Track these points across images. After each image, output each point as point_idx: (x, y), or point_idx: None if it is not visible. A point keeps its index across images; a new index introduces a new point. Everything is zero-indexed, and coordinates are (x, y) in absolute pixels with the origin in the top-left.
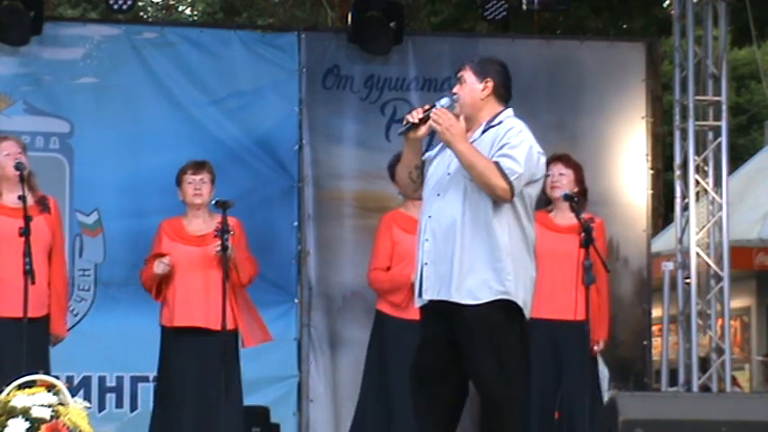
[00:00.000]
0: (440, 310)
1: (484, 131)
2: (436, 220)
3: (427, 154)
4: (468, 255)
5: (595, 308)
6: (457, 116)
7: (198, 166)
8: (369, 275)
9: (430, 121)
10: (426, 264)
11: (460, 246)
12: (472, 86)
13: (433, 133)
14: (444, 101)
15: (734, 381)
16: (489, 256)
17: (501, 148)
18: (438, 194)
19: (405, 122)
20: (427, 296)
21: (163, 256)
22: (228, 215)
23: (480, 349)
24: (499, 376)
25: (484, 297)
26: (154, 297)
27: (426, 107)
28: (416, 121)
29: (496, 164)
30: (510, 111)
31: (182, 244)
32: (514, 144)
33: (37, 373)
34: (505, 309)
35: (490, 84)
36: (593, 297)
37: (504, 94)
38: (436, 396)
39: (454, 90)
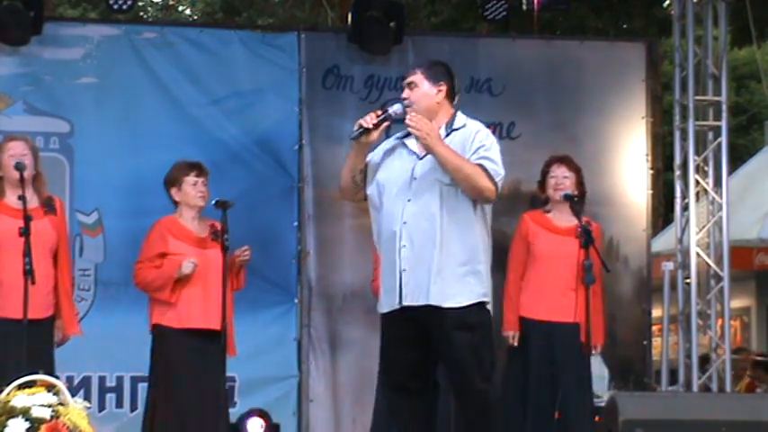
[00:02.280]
0: (411, 314)
1: (447, 134)
2: (413, 225)
3: (369, 157)
4: (447, 259)
5: (597, 314)
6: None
7: (201, 168)
8: (372, 284)
9: (410, 129)
10: (405, 270)
11: (439, 250)
12: (426, 91)
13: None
14: (397, 106)
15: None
16: (467, 260)
17: (477, 150)
18: (409, 200)
19: (357, 127)
20: (407, 302)
21: (166, 255)
22: (229, 216)
23: (464, 351)
24: (481, 376)
25: (465, 301)
26: (167, 297)
27: (379, 112)
28: (371, 126)
29: (481, 166)
30: (460, 112)
31: (190, 245)
32: (488, 146)
33: (24, 373)
34: (482, 310)
35: (444, 87)
36: (591, 302)
37: (453, 97)
38: (409, 394)
39: (404, 95)
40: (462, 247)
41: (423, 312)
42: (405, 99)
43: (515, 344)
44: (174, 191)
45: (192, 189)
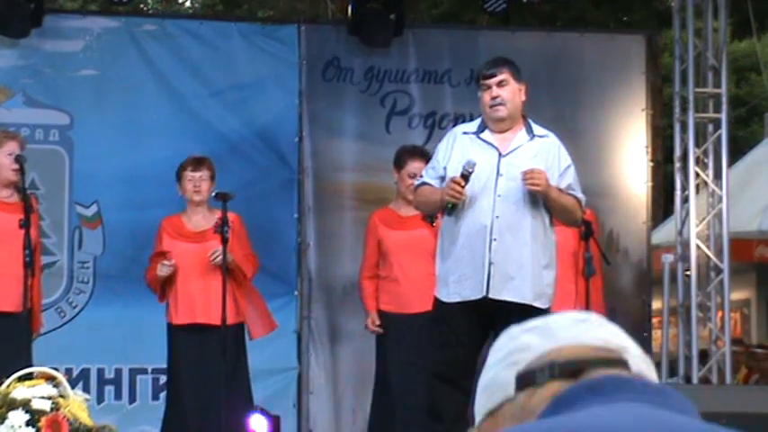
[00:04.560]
0: (482, 306)
1: (530, 139)
2: (505, 221)
3: (443, 165)
4: (535, 259)
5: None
6: (502, 119)
7: (198, 163)
8: (359, 281)
9: (531, 188)
10: (494, 263)
11: (531, 250)
12: (516, 89)
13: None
14: (468, 163)
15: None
16: (548, 263)
17: (566, 171)
18: (499, 195)
19: (447, 206)
20: (492, 295)
21: (164, 254)
22: (228, 209)
23: None
24: None
25: (545, 303)
26: (159, 299)
27: (462, 182)
28: (462, 199)
29: (578, 200)
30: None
31: (181, 241)
32: (572, 166)
33: (21, 366)
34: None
35: (524, 87)
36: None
37: None
38: (458, 391)
39: (494, 93)
40: (544, 250)
41: (500, 307)
42: (496, 97)
43: None
44: (178, 186)
45: (188, 184)
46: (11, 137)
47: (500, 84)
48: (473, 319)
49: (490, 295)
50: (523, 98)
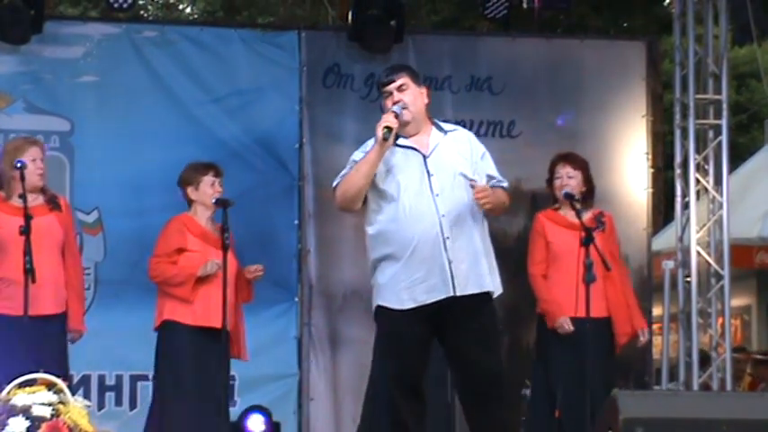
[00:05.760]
0: (431, 309)
1: (444, 135)
2: (452, 218)
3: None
4: (480, 248)
5: (622, 303)
6: (407, 122)
7: (217, 168)
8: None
9: (481, 202)
10: (452, 261)
11: (477, 239)
12: (417, 92)
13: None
14: (398, 107)
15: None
16: (487, 250)
17: (483, 156)
18: (437, 195)
19: (384, 129)
20: (459, 292)
21: (182, 251)
22: (229, 216)
23: (494, 338)
24: (501, 363)
25: (498, 289)
26: (187, 294)
27: (392, 112)
28: (396, 124)
29: (503, 188)
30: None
31: (206, 244)
32: (488, 153)
33: (54, 372)
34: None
35: (425, 90)
36: (612, 293)
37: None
38: (418, 396)
39: (396, 98)
40: (483, 238)
41: (451, 305)
42: (399, 101)
43: (571, 329)
44: (190, 190)
45: (210, 189)
46: (33, 142)
47: (400, 88)
48: (425, 323)
49: (458, 293)
50: (426, 101)
